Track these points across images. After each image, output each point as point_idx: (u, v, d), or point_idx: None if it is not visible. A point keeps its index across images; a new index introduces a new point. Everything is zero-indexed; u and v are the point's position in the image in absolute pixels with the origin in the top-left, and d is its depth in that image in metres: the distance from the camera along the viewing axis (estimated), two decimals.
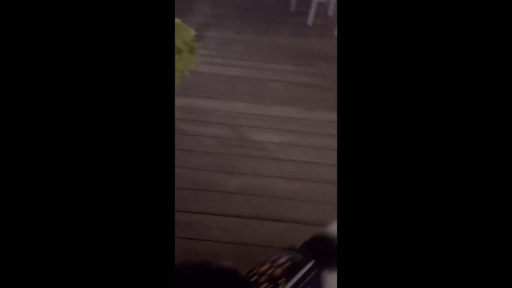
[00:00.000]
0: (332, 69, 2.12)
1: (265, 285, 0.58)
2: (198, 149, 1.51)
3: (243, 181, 1.38)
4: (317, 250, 0.68)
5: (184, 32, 1.31)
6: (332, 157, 1.47)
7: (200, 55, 1.52)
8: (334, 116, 1.67)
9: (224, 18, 2.73)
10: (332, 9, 2.98)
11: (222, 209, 1.24)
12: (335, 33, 2.54)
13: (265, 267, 0.63)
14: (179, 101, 1.77)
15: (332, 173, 1.38)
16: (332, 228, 0.75)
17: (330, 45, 2.46)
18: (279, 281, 0.58)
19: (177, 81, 1.40)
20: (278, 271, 0.61)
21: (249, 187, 1.35)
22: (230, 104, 1.81)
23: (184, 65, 1.35)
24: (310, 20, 2.80)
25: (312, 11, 2.76)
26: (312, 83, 2.07)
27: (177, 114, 1.70)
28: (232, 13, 2.83)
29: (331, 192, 1.31)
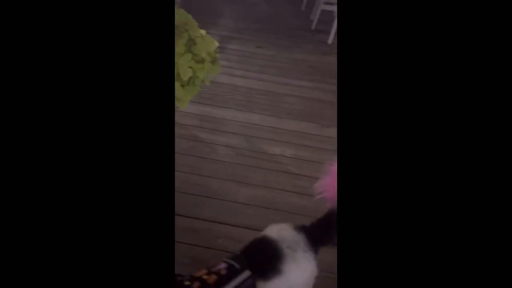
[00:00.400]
0: None
1: None
2: (211, 157, 1.53)
3: (254, 192, 1.37)
4: (255, 259, 0.69)
5: (208, 43, 1.36)
6: None
7: (221, 66, 1.56)
8: None
9: (247, 32, 2.81)
10: None
11: (231, 219, 1.24)
12: None
13: (201, 273, 0.63)
14: (196, 109, 1.81)
15: None
16: (272, 232, 0.76)
17: None
18: None
19: (197, 89, 1.44)
20: (212, 278, 0.61)
21: (260, 199, 1.34)
22: (247, 115, 1.83)
23: (206, 74, 1.39)
24: (330, 39, 2.84)
25: (333, 30, 2.80)
26: (329, 100, 2.08)
27: (194, 121, 1.74)
28: (254, 28, 2.91)
29: None
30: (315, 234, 0.75)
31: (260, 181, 1.43)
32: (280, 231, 0.75)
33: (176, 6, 1.36)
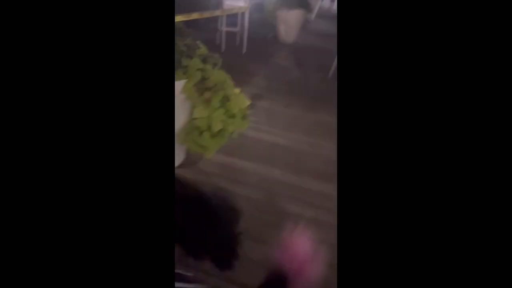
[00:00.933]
0: None
1: None
2: None
3: (268, 252, 1.31)
4: None
5: (241, 101, 1.48)
6: None
7: (249, 120, 1.66)
8: None
9: (276, 92, 3.02)
10: None
11: (242, 278, 1.17)
12: None
13: None
14: (221, 158, 1.87)
15: None
16: None
17: None
18: None
19: (224, 140, 1.52)
20: None
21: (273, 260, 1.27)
22: (269, 169, 1.85)
23: (235, 128, 1.48)
24: None
25: None
26: None
27: (217, 170, 1.79)
28: (283, 89, 3.12)
29: None
30: None
31: (276, 240, 1.37)
32: None
33: (217, 67, 1.53)
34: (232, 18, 3.83)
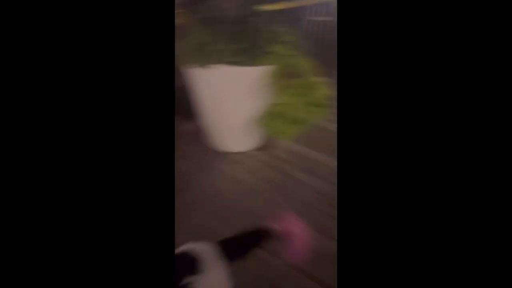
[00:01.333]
0: None
1: None
2: (295, 196, 1.54)
3: (330, 245, 1.29)
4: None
5: (323, 90, 1.45)
6: None
7: (330, 111, 1.61)
8: None
9: None
10: None
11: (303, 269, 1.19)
12: None
13: None
14: (296, 147, 1.89)
15: None
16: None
17: None
18: None
19: (302, 128, 1.53)
20: None
21: (333, 254, 1.24)
22: None
23: (315, 117, 1.46)
24: None
25: None
26: None
27: (290, 158, 1.81)
28: None
29: None
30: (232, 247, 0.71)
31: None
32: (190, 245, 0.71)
33: (303, 54, 1.52)
34: (321, 7, 3.70)
